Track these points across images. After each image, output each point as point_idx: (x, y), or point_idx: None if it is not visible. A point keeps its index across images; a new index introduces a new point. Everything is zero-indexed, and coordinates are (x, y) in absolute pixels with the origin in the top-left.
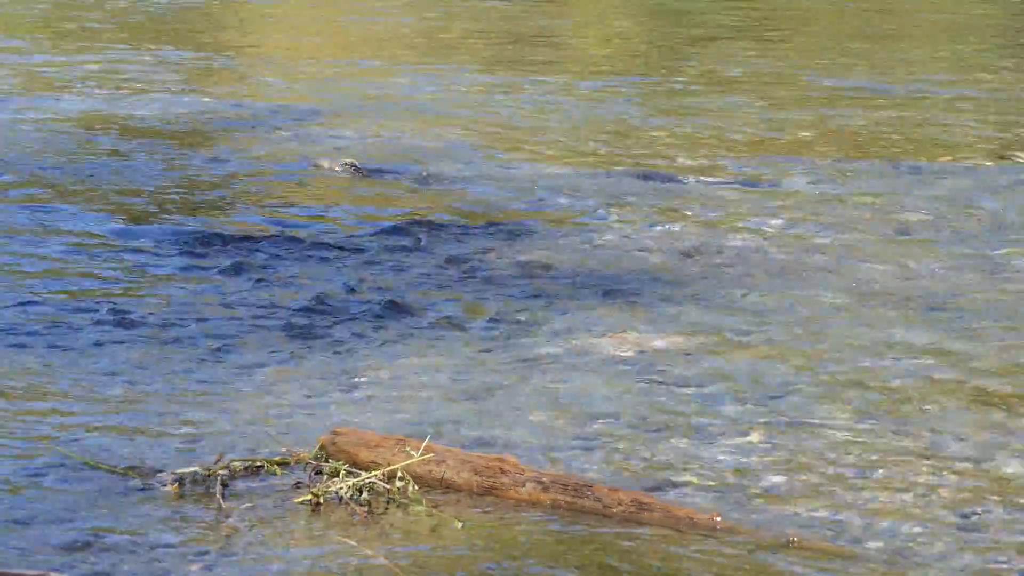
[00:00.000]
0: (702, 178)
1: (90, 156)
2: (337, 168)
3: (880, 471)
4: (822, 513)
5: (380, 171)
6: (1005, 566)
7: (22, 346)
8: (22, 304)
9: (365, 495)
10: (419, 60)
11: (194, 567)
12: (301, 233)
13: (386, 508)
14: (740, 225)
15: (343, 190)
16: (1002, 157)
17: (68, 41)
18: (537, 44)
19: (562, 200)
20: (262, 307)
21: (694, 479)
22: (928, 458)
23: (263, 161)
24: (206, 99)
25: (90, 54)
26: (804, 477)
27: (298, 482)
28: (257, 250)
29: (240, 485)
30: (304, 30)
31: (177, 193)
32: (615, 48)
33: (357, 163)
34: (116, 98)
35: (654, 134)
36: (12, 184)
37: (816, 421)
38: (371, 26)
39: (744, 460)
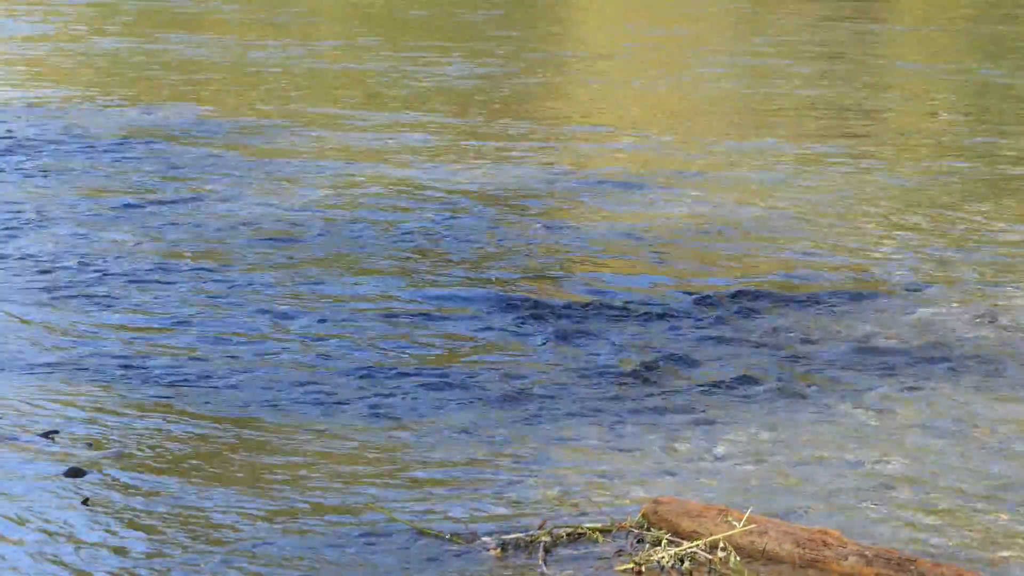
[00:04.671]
0: None
1: (411, 224)
2: None
3: None
4: None
5: (684, 244)
6: None
7: (341, 410)
8: (341, 367)
9: (687, 565)
10: (740, 131)
11: None
12: (624, 302)
13: None
14: None
15: (666, 260)
16: None
17: (390, 109)
18: (858, 118)
19: (882, 272)
20: (584, 375)
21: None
22: None
23: (587, 230)
24: (529, 168)
25: (412, 122)
26: None
27: (620, 550)
28: (581, 318)
29: (562, 551)
30: (627, 101)
31: (502, 260)
32: (938, 123)
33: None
34: (439, 166)
35: (977, 210)
36: (336, 253)
37: None
38: (694, 97)
39: None
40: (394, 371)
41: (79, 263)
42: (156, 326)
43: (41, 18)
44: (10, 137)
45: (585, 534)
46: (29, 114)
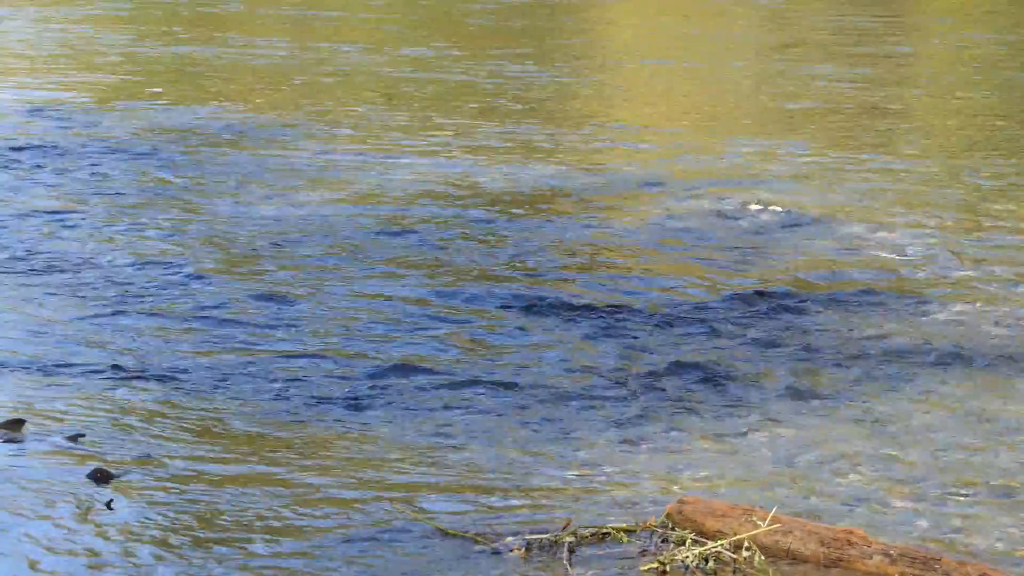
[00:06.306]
0: None
1: (438, 222)
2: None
3: None
4: None
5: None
6: None
7: (364, 409)
8: (365, 367)
9: (711, 564)
10: (767, 130)
11: None
12: (650, 301)
13: None
14: None
15: (693, 259)
16: None
17: (417, 110)
18: (884, 116)
19: (909, 271)
20: (605, 374)
21: None
22: None
23: (613, 229)
24: (554, 167)
25: (442, 123)
26: None
27: (644, 550)
28: (601, 318)
29: (587, 551)
30: (651, 101)
31: (524, 259)
32: (966, 122)
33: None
34: (466, 165)
35: (1005, 209)
36: (363, 249)
37: None
38: (718, 99)
39: None
40: (418, 370)
41: (118, 266)
42: (181, 328)
43: (74, 21)
44: (49, 140)
45: (610, 534)
46: (70, 116)
